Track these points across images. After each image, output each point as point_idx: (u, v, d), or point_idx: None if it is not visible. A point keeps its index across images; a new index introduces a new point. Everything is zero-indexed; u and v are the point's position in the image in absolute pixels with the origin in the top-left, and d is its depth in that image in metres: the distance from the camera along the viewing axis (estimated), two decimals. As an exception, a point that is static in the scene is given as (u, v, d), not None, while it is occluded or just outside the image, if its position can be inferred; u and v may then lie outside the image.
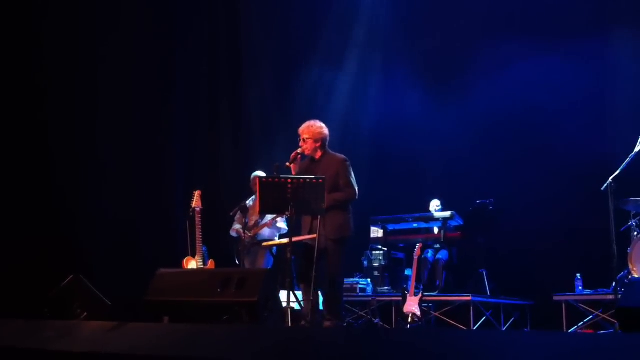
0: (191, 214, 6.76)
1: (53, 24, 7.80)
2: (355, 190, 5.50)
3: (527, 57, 8.32)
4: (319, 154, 5.59)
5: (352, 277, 8.14)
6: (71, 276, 5.25)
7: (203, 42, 9.44)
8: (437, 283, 7.66)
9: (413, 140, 9.01)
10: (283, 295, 5.16)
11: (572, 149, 7.79)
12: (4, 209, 7.13)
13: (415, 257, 7.15)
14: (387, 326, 7.33)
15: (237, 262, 7.17)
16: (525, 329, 7.54)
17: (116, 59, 8.18)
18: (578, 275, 7.00)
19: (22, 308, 4.94)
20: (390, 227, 8.08)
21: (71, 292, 5.16)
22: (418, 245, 7.27)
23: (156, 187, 8.38)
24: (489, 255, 7.77)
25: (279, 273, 5.62)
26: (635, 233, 6.52)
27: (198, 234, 6.69)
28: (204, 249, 6.75)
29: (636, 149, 6.09)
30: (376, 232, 8.19)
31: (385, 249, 8.19)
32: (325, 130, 5.62)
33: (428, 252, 7.82)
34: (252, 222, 7.20)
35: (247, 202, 7.11)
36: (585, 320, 6.65)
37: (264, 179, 5.26)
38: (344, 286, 7.69)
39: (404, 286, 7.16)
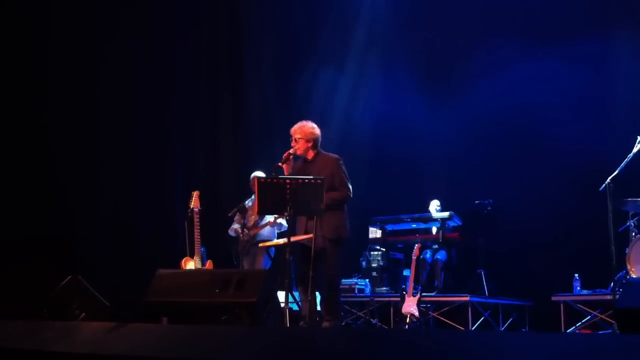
0: (189, 214, 6.76)
1: (53, 24, 7.80)
2: (350, 189, 5.52)
3: (525, 58, 8.33)
4: (311, 154, 5.60)
5: (351, 277, 8.15)
6: (69, 277, 5.25)
7: (203, 42, 9.45)
8: (436, 283, 7.67)
9: (412, 141, 9.02)
10: (281, 295, 5.16)
11: (570, 150, 7.80)
12: (4, 209, 7.13)
13: (414, 258, 7.16)
14: (385, 327, 7.34)
15: (235, 262, 7.17)
16: (524, 330, 7.55)
17: (117, 59, 8.19)
18: (576, 275, 7.01)
19: (21, 309, 4.94)
20: (389, 227, 8.09)
21: (70, 293, 5.16)
22: (416, 246, 7.27)
23: (156, 188, 8.39)
24: (487, 256, 7.78)
25: (277, 273, 5.62)
26: (634, 233, 6.53)
27: (196, 234, 6.69)
28: (202, 249, 6.75)
29: (634, 150, 6.09)
30: (375, 233, 8.20)
31: (384, 249, 8.20)
32: (317, 131, 5.63)
33: (426, 253, 7.82)
34: (251, 223, 7.20)
35: (246, 202, 7.11)
36: (583, 321, 6.66)
37: (262, 180, 5.25)
38: (343, 286, 7.76)
39: (403, 287, 7.16)
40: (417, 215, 7.98)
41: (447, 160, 8.89)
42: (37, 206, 7.37)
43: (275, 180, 5.11)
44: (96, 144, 8.04)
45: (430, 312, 7.37)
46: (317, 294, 5.53)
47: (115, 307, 5.28)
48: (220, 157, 9.44)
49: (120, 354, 3.23)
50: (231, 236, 7.29)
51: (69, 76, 7.83)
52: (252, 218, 7.18)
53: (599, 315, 6.56)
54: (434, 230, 7.97)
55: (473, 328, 6.88)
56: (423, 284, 7.43)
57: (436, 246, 7.90)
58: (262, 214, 6.72)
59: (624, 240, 6.52)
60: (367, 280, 8.13)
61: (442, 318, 7.25)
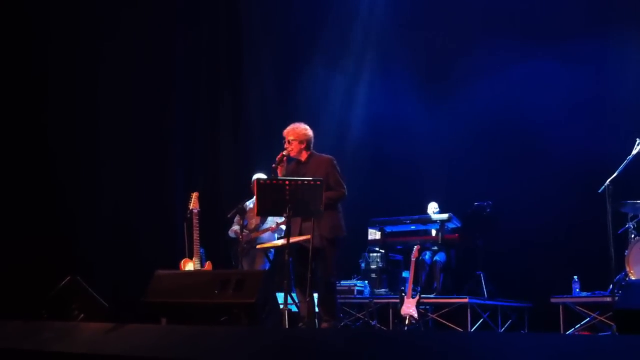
0: (188, 215, 6.76)
1: (53, 24, 7.80)
2: (345, 187, 5.54)
3: (524, 58, 8.33)
4: (304, 155, 5.62)
5: (350, 279, 8.14)
6: (68, 277, 5.24)
7: (203, 42, 9.45)
8: (435, 285, 7.67)
9: (411, 143, 9.02)
10: (279, 296, 5.16)
11: (569, 151, 7.80)
12: (4, 209, 7.13)
13: (413, 259, 7.16)
14: (384, 328, 7.33)
15: (234, 263, 7.17)
16: (523, 331, 7.54)
17: (117, 59, 8.19)
18: (575, 277, 7.01)
19: (21, 309, 4.94)
20: (388, 229, 8.08)
21: (69, 294, 5.15)
22: (415, 248, 7.28)
23: (156, 188, 8.39)
24: (486, 257, 7.77)
25: (276, 275, 5.63)
26: (633, 235, 6.53)
27: (195, 235, 6.69)
28: (201, 250, 6.74)
29: (634, 152, 6.09)
30: (374, 234, 8.19)
31: (383, 251, 8.20)
32: (310, 132, 5.66)
33: (425, 254, 7.82)
34: (253, 226, 7.20)
35: (246, 203, 7.11)
36: (582, 323, 6.66)
37: (261, 181, 5.26)
38: (342, 288, 7.77)
39: (402, 288, 7.16)
40: (416, 216, 7.98)
41: (447, 162, 8.89)
42: (37, 206, 7.37)
43: (274, 182, 5.12)
44: (96, 144, 8.05)
45: (429, 314, 7.37)
46: (315, 295, 5.54)
47: (115, 308, 5.28)
48: (220, 157, 9.44)
49: (119, 355, 3.24)
50: (231, 237, 7.29)
51: (69, 76, 7.83)
52: (254, 221, 7.18)
53: (598, 317, 6.55)
54: (433, 231, 7.97)
55: (472, 330, 6.88)
56: (422, 286, 7.43)
57: (435, 248, 7.89)
58: (261, 215, 6.72)
59: (623, 242, 6.52)
60: (366, 281, 8.12)
61: (441, 319, 7.25)
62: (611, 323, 6.18)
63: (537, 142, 8.14)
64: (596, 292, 6.78)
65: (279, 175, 5.46)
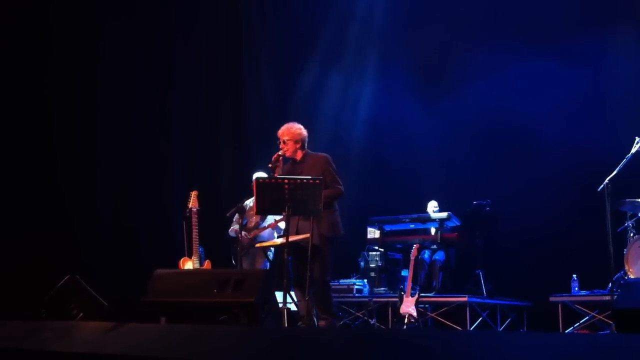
0: (188, 214, 6.76)
1: (54, 25, 7.81)
2: (342, 185, 5.55)
3: (522, 58, 8.32)
4: (300, 154, 5.65)
5: (349, 277, 8.15)
6: (67, 276, 5.25)
7: (203, 42, 9.45)
8: (434, 284, 7.67)
9: (411, 142, 9.02)
10: (278, 296, 5.16)
11: (568, 150, 7.81)
12: (4, 209, 7.13)
13: (412, 258, 7.16)
14: (383, 327, 7.34)
15: (234, 262, 7.17)
16: (522, 330, 7.55)
17: (117, 59, 8.20)
18: (574, 276, 7.02)
19: (20, 309, 4.94)
20: (387, 227, 8.08)
21: (68, 293, 5.16)
22: (415, 246, 7.27)
23: (155, 188, 8.40)
24: (485, 256, 7.78)
25: (275, 274, 5.63)
26: (632, 234, 6.54)
27: (194, 234, 6.69)
28: (200, 249, 6.75)
29: (633, 150, 6.11)
30: (373, 233, 8.20)
31: (382, 249, 8.20)
32: (304, 131, 5.70)
33: (425, 253, 7.82)
34: (252, 224, 7.20)
35: (246, 202, 7.11)
36: (581, 321, 6.66)
37: (260, 180, 5.26)
38: (341, 287, 7.79)
39: (401, 287, 7.16)
40: (415, 215, 7.98)
41: (446, 161, 8.89)
42: (37, 206, 7.37)
43: (273, 181, 5.13)
44: (96, 144, 8.05)
45: (428, 313, 7.38)
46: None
47: (114, 307, 5.28)
48: (219, 156, 9.45)
49: (118, 354, 3.24)
50: (231, 237, 7.29)
51: (69, 76, 7.84)
52: (254, 219, 7.18)
53: (597, 315, 6.56)
54: (433, 230, 7.98)
55: (471, 328, 6.88)
56: (421, 285, 7.43)
57: (434, 246, 7.90)
58: (260, 214, 6.73)
59: (622, 241, 6.53)
60: (365, 280, 8.12)
61: (440, 318, 7.26)
62: (610, 322, 6.18)
63: (536, 141, 8.14)
64: (595, 291, 6.79)
65: (276, 175, 5.47)
